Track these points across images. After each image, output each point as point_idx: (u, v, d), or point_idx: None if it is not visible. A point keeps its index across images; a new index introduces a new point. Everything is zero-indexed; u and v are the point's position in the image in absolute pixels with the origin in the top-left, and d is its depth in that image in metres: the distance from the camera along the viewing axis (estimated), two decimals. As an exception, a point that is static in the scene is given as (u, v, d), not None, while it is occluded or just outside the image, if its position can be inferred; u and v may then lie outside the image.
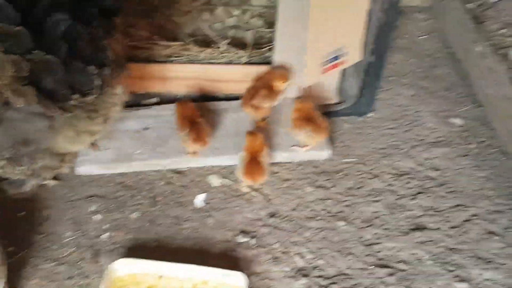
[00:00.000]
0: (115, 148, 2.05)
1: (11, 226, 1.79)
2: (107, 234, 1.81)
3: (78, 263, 1.71)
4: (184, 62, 2.21)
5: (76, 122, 1.57)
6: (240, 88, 2.24)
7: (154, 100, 2.29)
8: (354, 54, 2.08)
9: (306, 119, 1.98)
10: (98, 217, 1.86)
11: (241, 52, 2.22)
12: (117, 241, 1.78)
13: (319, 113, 2.03)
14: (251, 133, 1.94)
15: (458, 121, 2.29)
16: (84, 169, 2.00)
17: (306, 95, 2.10)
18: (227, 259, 1.72)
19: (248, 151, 1.89)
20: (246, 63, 2.21)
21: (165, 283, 1.62)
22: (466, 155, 2.13)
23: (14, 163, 1.51)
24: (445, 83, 2.49)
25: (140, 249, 1.74)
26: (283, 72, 2.05)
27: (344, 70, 2.24)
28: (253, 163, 1.87)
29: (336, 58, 2.05)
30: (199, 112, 2.02)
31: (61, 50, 1.41)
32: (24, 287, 1.63)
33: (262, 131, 2.01)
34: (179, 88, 2.26)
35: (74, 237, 1.79)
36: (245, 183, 1.94)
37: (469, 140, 2.20)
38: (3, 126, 1.44)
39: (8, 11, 1.36)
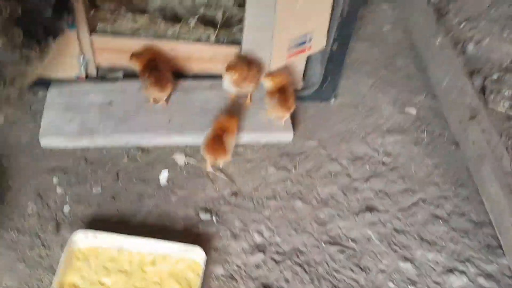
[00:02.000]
0: (78, 122, 2.05)
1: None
2: (68, 207, 1.83)
3: (40, 234, 1.73)
4: (152, 38, 2.21)
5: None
6: (209, 67, 2.27)
7: (120, 74, 2.28)
8: (319, 41, 2.14)
9: (279, 91, 2.07)
10: (60, 190, 1.87)
11: (210, 30, 2.24)
12: (78, 215, 1.81)
13: (292, 90, 2.12)
14: (229, 113, 1.99)
15: (412, 110, 2.41)
16: (47, 141, 2.00)
17: (281, 70, 2.17)
18: (188, 235, 1.78)
19: (215, 128, 1.94)
20: (215, 43, 2.23)
21: (125, 257, 1.67)
22: (418, 143, 2.26)
23: None
24: (403, 73, 2.60)
25: (101, 224, 1.78)
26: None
27: (310, 56, 2.31)
28: (216, 141, 1.93)
29: (302, 43, 2.11)
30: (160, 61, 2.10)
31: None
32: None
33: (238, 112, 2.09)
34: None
35: (36, 208, 1.80)
36: (208, 161, 2.00)
37: (422, 129, 2.33)
38: None
39: None
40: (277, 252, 1.80)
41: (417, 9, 2.78)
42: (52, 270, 1.63)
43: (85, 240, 1.66)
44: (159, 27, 2.23)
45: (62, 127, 2.03)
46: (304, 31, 2.07)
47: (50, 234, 1.74)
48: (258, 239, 1.83)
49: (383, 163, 2.16)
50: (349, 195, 2.02)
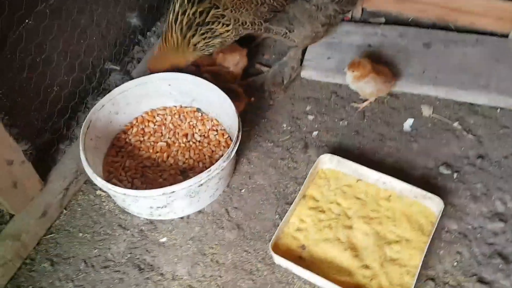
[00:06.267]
0: (336, 60, 2.19)
1: (244, 108, 2.09)
2: (316, 132, 2.01)
3: (290, 149, 1.96)
4: (423, -14, 2.17)
5: None
6: (478, 22, 2.13)
7: (382, 19, 2.33)
8: None
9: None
10: (311, 117, 2.06)
11: (489, -17, 2.08)
12: (324, 140, 1.98)
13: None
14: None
15: None
16: (306, 73, 2.20)
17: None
18: (425, 184, 1.76)
19: None
20: (492, -4, 2.07)
21: (363, 187, 1.76)
22: None
23: None
24: None
25: (343, 153, 1.90)
26: None
27: None
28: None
29: None
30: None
31: None
32: (247, 156, 1.95)
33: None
34: (411, 11, 2.26)
35: (289, 128, 2.04)
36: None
37: None
38: None
39: None
40: (521, 227, 1.65)
41: None
42: (296, 181, 1.85)
43: (329, 163, 1.81)
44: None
45: (322, 62, 2.19)
46: None
47: (299, 152, 1.95)
48: (500, 207, 1.70)
49: None
50: None
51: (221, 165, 1.70)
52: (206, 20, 1.80)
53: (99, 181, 1.67)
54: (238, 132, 1.78)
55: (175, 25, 1.82)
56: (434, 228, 1.60)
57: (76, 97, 1.93)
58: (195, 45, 1.89)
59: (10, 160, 1.56)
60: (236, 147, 1.75)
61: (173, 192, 1.64)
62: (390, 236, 1.63)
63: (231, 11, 1.79)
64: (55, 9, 1.71)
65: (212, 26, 1.82)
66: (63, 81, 1.85)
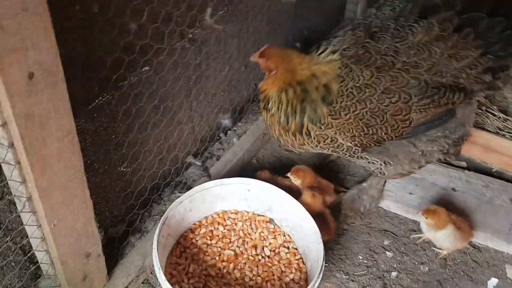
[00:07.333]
0: (418, 196, 2.12)
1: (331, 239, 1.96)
2: (396, 273, 1.88)
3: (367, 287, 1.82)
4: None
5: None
6: None
7: (464, 163, 2.29)
8: None
9: None
10: (389, 253, 1.94)
11: None
12: (404, 285, 1.84)
13: None
14: None
15: None
16: (385, 203, 2.12)
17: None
18: None
19: None
20: None
21: None
22: None
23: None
24: None
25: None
26: None
27: None
28: None
29: None
30: None
31: None
32: (319, 286, 1.80)
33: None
34: (495, 162, 2.23)
35: (366, 261, 1.91)
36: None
37: None
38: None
39: None
40: None
41: None
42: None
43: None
44: (527, 132, 2.17)
45: (403, 196, 2.12)
46: None
47: (377, 292, 1.81)
48: None
49: None
50: None
51: (304, 298, 1.56)
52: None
53: (171, 291, 1.52)
54: (323, 262, 1.65)
55: (288, 133, 1.79)
56: None
57: (160, 189, 1.84)
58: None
59: (88, 252, 1.43)
60: (319, 280, 1.61)
61: (251, 320, 1.49)
62: None
63: (334, 132, 1.72)
64: (157, 105, 1.68)
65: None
66: (154, 174, 1.78)
